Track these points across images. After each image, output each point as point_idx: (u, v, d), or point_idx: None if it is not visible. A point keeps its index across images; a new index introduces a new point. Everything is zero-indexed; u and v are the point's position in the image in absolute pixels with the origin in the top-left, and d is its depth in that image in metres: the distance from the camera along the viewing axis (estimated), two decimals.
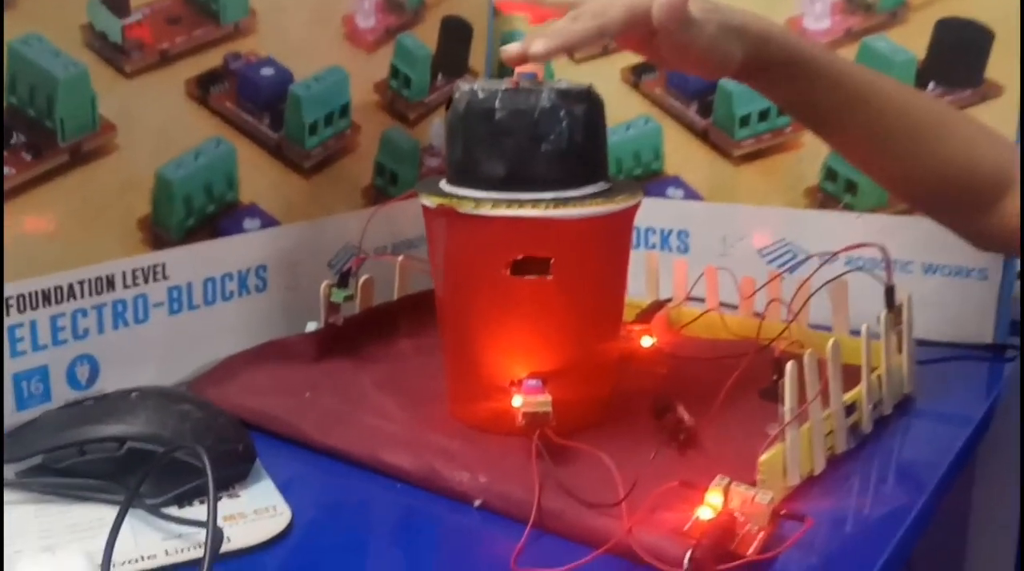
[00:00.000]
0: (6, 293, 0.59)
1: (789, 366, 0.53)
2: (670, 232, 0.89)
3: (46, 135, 0.60)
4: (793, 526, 0.49)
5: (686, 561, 0.45)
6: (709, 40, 0.58)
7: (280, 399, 0.65)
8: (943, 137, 0.63)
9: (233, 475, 0.54)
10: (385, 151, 0.84)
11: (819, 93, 0.62)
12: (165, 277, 0.68)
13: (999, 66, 0.74)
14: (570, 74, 0.89)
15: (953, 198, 0.66)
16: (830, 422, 0.58)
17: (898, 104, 0.63)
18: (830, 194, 0.81)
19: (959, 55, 0.75)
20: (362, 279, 0.76)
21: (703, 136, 0.86)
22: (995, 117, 0.73)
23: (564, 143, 0.58)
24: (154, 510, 0.50)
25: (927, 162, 0.64)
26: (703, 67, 0.60)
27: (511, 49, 0.57)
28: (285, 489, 0.55)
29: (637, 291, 0.81)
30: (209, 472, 0.45)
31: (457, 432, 0.60)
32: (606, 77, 0.87)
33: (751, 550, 0.47)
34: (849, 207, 0.81)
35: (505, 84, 0.59)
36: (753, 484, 0.51)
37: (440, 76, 0.88)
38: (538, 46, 0.56)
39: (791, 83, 0.62)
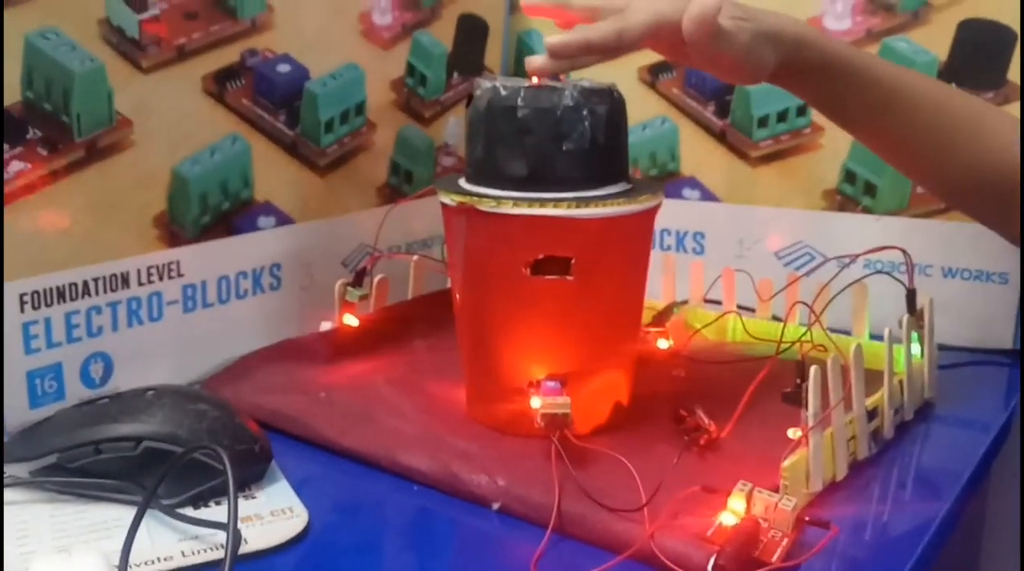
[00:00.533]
0: (20, 290, 0.59)
1: (813, 370, 0.52)
2: (686, 233, 0.88)
3: (62, 130, 0.60)
4: (816, 533, 0.48)
5: (710, 568, 0.44)
6: (742, 49, 0.57)
7: (295, 399, 0.64)
8: (979, 136, 0.62)
9: (249, 476, 0.54)
10: (400, 149, 0.84)
11: (853, 94, 0.61)
12: (180, 275, 0.67)
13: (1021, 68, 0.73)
14: (587, 72, 0.88)
15: (990, 198, 0.64)
16: (852, 427, 0.57)
17: (932, 102, 0.62)
18: (849, 196, 0.81)
19: (981, 57, 0.74)
20: (377, 278, 0.75)
21: (720, 137, 0.85)
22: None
23: (586, 142, 0.57)
24: (170, 511, 0.50)
25: (963, 161, 0.63)
26: (736, 74, 0.59)
27: (535, 62, 0.56)
28: (301, 490, 0.54)
29: (653, 293, 0.80)
30: (230, 472, 0.44)
31: (475, 434, 0.60)
32: (623, 76, 0.86)
33: (775, 557, 0.46)
34: (868, 210, 0.80)
35: (527, 82, 0.58)
36: (776, 490, 0.50)
37: (456, 74, 0.87)
38: (555, 40, 0.55)
39: (825, 85, 0.61)
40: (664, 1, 0.56)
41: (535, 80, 0.58)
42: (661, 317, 0.77)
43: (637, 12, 0.56)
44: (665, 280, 0.80)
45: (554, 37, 0.56)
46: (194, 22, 0.66)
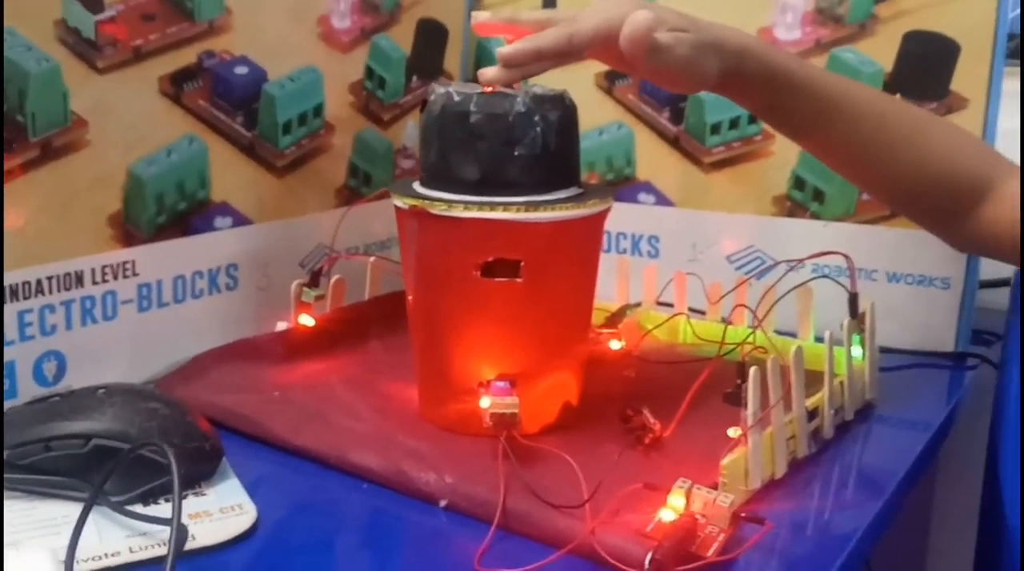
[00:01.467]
0: None
1: (752, 371, 0.54)
2: (641, 237, 0.90)
3: (17, 129, 0.60)
4: (753, 529, 0.50)
5: (647, 562, 0.46)
6: (680, 62, 0.58)
7: (249, 398, 0.65)
8: (920, 144, 0.64)
9: (200, 473, 0.54)
10: (359, 152, 0.85)
11: (796, 103, 0.63)
12: (135, 274, 0.68)
13: (964, 79, 0.75)
14: (544, 78, 0.89)
15: (931, 203, 0.67)
16: (792, 427, 0.59)
17: (875, 112, 0.64)
18: (798, 202, 0.82)
19: (925, 68, 0.76)
20: (333, 279, 0.76)
21: (675, 143, 0.87)
22: None
23: (538, 148, 0.58)
24: (119, 507, 0.50)
25: (904, 168, 0.65)
26: (678, 85, 0.61)
27: (487, 74, 0.57)
28: (252, 488, 0.55)
29: (607, 295, 0.82)
30: (175, 469, 0.45)
31: (426, 433, 0.61)
32: (580, 82, 0.88)
33: (711, 551, 0.47)
34: (816, 216, 0.82)
35: (480, 88, 0.59)
36: (715, 487, 0.51)
37: (415, 78, 0.88)
38: (506, 50, 0.56)
39: (768, 95, 0.63)
40: (613, 8, 0.57)
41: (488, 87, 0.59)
42: (614, 319, 0.78)
43: (587, 18, 0.57)
44: (619, 282, 0.82)
45: (505, 47, 0.57)
46: (151, 24, 0.67)
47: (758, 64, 0.61)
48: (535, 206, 0.57)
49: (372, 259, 0.80)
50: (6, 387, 0.61)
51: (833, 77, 0.65)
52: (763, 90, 0.62)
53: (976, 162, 0.65)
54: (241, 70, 0.73)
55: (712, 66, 0.59)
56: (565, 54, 0.58)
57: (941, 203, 0.66)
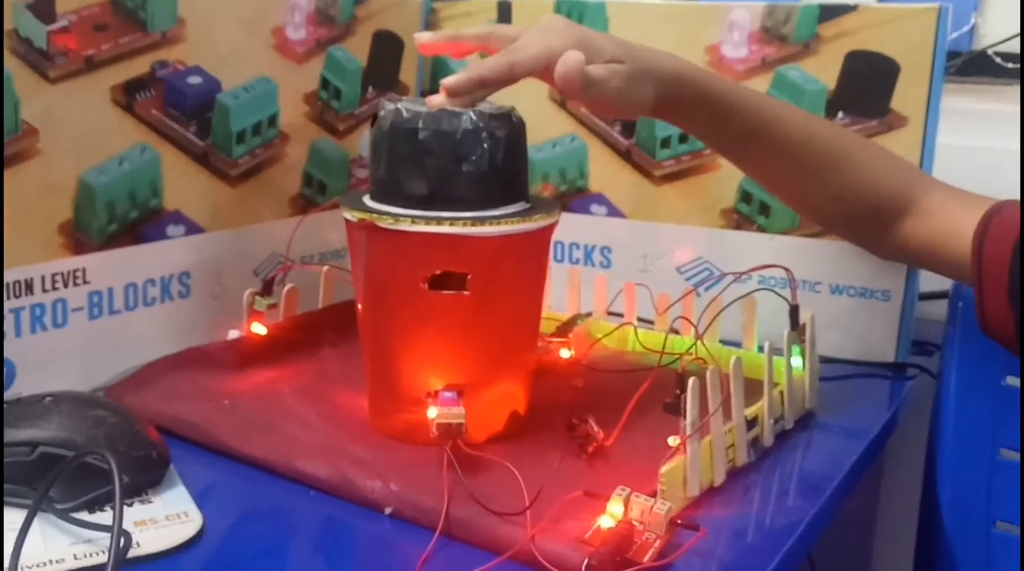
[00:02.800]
0: None
1: (691, 382, 0.56)
2: (594, 248, 0.91)
3: None
4: (690, 535, 0.51)
5: (583, 568, 0.47)
6: (615, 94, 0.60)
7: (199, 406, 0.65)
8: (844, 163, 0.68)
9: (146, 481, 0.55)
10: (314, 161, 0.85)
11: (728, 125, 0.66)
12: (86, 282, 0.68)
13: (904, 97, 0.78)
14: (499, 92, 0.91)
15: (855, 219, 0.70)
16: (731, 436, 0.60)
17: (802, 133, 0.66)
18: (744, 215, 0.84)
19: (867, 86, 0.79)
20: (286, 288, 0.77)
21: (626, 155, 0.89)
22: (900, 146, 0.78)
23: (485, 164, 0.60)
24: (64, 515, 0.51)
25: (830, 187, 0.68)
26: (615, 113, 0.63)
27: (434, 101, 0.59)
28: (200, 496, 0.55)
29: (559, 305, 0.83)
30: (116, 476, 0.45)
31: (373, 442, 0.62)
32: (534, 95, 0.89)
33: (647, 557, 0.49)
34: (762, 229, 0.84)
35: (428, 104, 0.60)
36: (655, 495, 0.53)
37: (371, 89, 0.89)
38: (450, 81, 0.58)
39: (702, 117, 0.65)
40: (554, 35, 0.59)
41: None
42: (565, 328, 0.80)
43: (528, 47, 0.59)
44: (570, 292, 0.83)
45: (449, 78, 0.58)
46: (103, 34, 0.67)
47: (692, 89, 0.63)
48: (481, 221, 0.58)
49: (326, 268, 0.81)
50: None
51: (764, 99, 0.67)
52: (697, 113, 0.65)
53: (898, 179, 0.69)
54: (194, 80, 0.73)
55: (646, 94, 0.62)
56: (507, 81, 0.59)
57: (866, 218, 0.70)
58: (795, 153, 0.67)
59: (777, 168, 0.68)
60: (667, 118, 0.66)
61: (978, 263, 0.64)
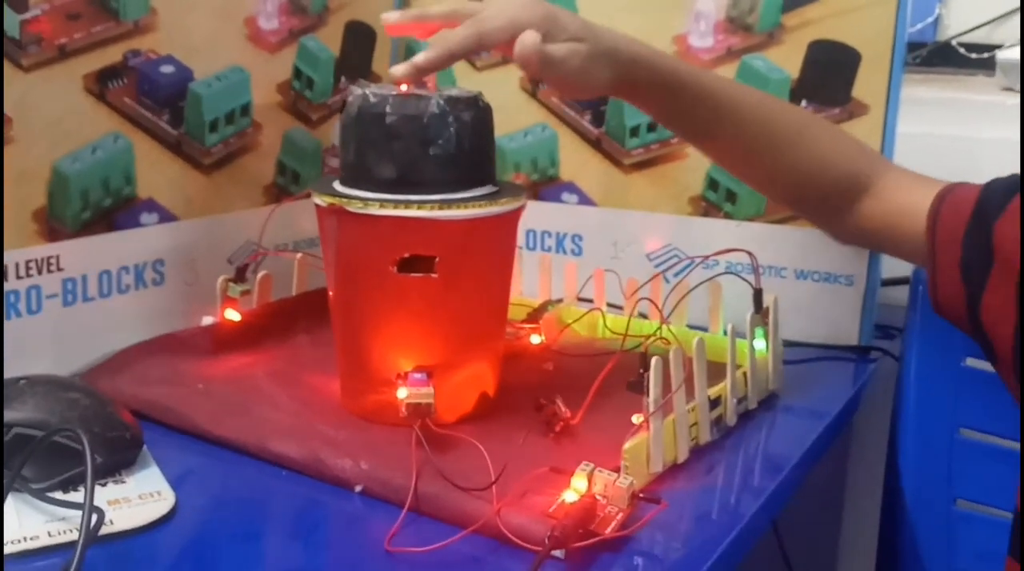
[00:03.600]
0: None
1: (654, 361, 0.57)
2: (565, 236, 0.93)
3: None
4: (652, 508, 0.53)
5: (546, 540, 0.48)
6: (573, 72, 0.62)
7: (173, 390, 0.66)
8: (801, 144, 0.69)
9: (120, 461, 0.56)
10: (287, 150, 0.86)
11: (687, 107, 0.67)
12: (59, 269, 0.69)
13: (865, 86, 0.79)
14: (471, 81, 0.92)
15: (813, 199, 0.72)
16: (694, 414, 0.62)
17: (760, 115, 0.68)
18: (712, 203, 0.86)
19: (829, 75, 0.80)
20: (260, 275, 0.78)
21: (596, 144, 0.90)
22: (861, 134, 0.79)
23: (452, 147, 0.61)
24: (39, 494, 0.52)
25: (787, 167, 0.70)
26: (573, 91, 0.65)
27: (398, 70, 0.60)
28: (173, 476, 0.56)
29: (531, 291, 0.85)
30: (88, 453, 0.46)
31: (345, 423, 0.63)
32: (505, 85, 0.90)
33: (609, 529, 0.50)
34: (729, 215, 0.85)
35: (396, 89, 0.62)
36: (618, 471, 0.54)
37: (343, 79, 0.90)
38: (420, 58, 0.59)
39: (661, 100, 0.67)
40: (521, 11, 0.60)
41: (404, 88, 0.62)
42: (535, 314, 0.81)
43: (495, 18, 0.60)
44: (541, 279, 0.84)
45: (419, 55, 0.59)
46: (76, 23, 0.68)
47: (649, 72, 0.65)
48: (449, 204, 0.60)
49: (299, 255, 0.82)
50: None
51: (722, 82, 0.69)
52: (655, 95, 0.67)
53: (855, 160, 0.70)
54: (167, 69, 0.74)
55: (604, 75, 0.63)
56: (475, 53, 0.60)
57: (824, 198, 0.71)
58: (754, 132, 0.68)
59: (737, 148, 0.70)
60: (625, 98, 0.68)
61: (932, 240, 0.65)
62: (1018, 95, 1.00)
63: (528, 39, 0.58)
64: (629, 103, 0.68)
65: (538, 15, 0.60)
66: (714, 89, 0.67)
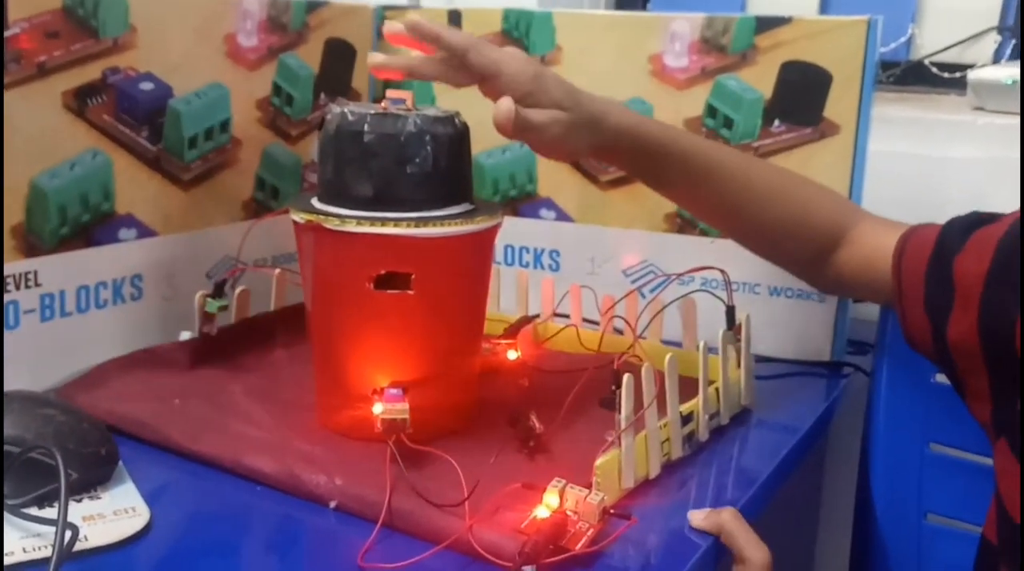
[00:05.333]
0: None
1: (626, 377, 0.58)
2: (543, 251, 0.94)
3: None
4: (622, 524, 0.54)
5: (517, 555, 0.49)
6: (553, 140, 0.63)
7: (149, 406, 0.67)
8: (782, 201, 0.72)
9: (95, 478, 0.56)
10: (266, 166, 0.87)
11: (668, 172, 0.69)
12: (37, 284, 0.69)
13: (836, 106, 0.81)
14: (452, 97, 0.92)
15: (793, 251, 0.74)
16: (666, 430, 0.63)
17: (742, 175, 0.71)
18: (687, 220, 0.87)
19: (801, 95, 0.82)
20: (238, 290, 0.78)
21: (574, 162, 0.91)
22: (832, 153, 0.81)
23: (428, 166, 0.62)
24: (15, 510, 0.52)
25: (768, 222, 0.72)
26: (549, 154, 0.66)
27: (375, 58, 0.62)
28: (148, 492, 0.57)
29: (508, 307, 0.86)
30: (62, 470, 0.47)
31: (320, 438, 0.63)
32: (484, 101, 0.90)
33: (579, 545, 0.51)
34: (704, 233, 0.86)
35: (374, 108, 0.62)
36: (591, 487, 0.55)
37: (323, 95, 0.91)
38: (414, 18, 0.60)
39: (642, 165, 0.69)
40: (513, 55, 0.62)
41: (383, 105, 0.63)
42: (512, 330, 0.82)
43: (491, 50, 0.61)
44: (519, 295, 0.85)
45: (416, 20, 0.61)
46: (55, 40, 0.68)
47: (631, 141, 0.67)
48: (425, 222, 0.60)
49: (278, 271, 0.83)
50: None
51: (705, 145, 0.71)
52: (637, 162, 0.69)
53: (830, 213, 0.72)
54: (146, 86, 0.75)
55: (583, 142, 0.65)
56: (456, 60, 0.61)
57: (803, 249, 0.74)
58: (735, 192, 0.70)
59: (720, 207, 0.72)
60: (605, 162, 0.70)
61: (898, 278, 0.67)
62: (988, 115, 1.02)
63: (503, 105, 0.60)
64: (608, 164, 0.69)
65: (527, 73, 0.61)
66: (697, 152, 0.69)
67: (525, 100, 0.61)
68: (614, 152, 0.67)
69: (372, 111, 0.62)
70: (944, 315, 0.63)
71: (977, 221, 0.64)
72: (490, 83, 0.62)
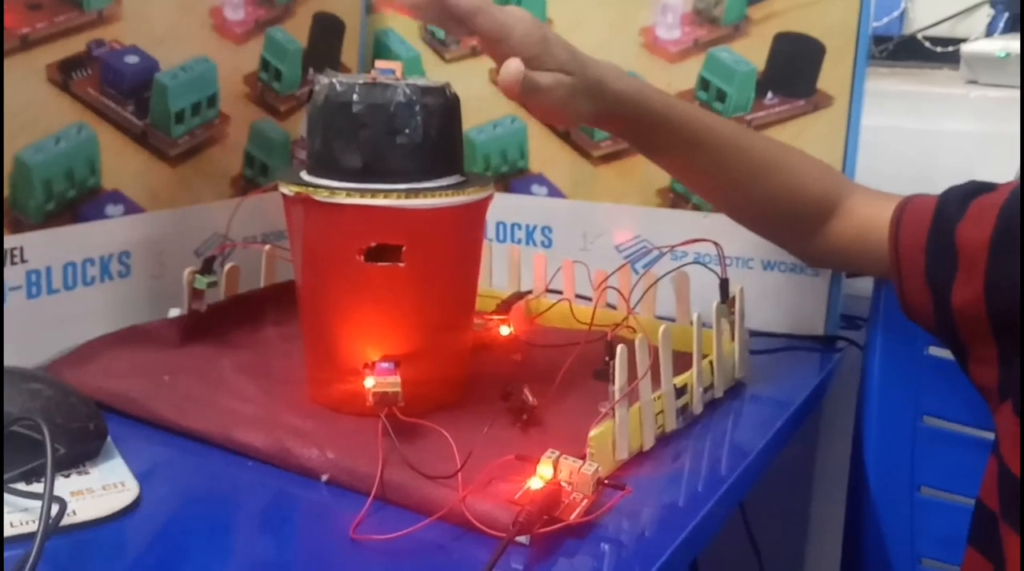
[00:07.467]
0: None
1: (619, 348, 0.57)
2: (535, 227, 0.93)
3: None
4: (616, 494, 0.53)
5: (511, 526, 0.48)
6: (556, 103, 0.62)
7: (138, 382, 0.66)
8: (774, 172, 0.71)
9: (83, 453, 0.55)
10: (255, 142, 0.86)
11: (665, 141, 0.69)
12: (23, 261, 0.68)
13: (829, 78, 0.80)
14: (440, 72, 0.92)
15: (785, 223, 0.74)
16: (660, 403, 0.62)
17: (735, 145, 0.70)
18: (680, 194, 0.86)
19: (794, 67, 0.81)
20: (227, 266, 0.77)
21: (565, 137, 0.90)
22: (826, 125, 0.80)
23: (419, 137, 0.61)
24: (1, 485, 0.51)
25: (761, 193, 0.72)
26: (551, 119, 0.67)
27: None
28: (137, 467, 0.56)
29: (500, 284, 0.85)
30: (48, 443, 0.46)
31: (312, 412, 0.63)
32: (474, 77, 0.90)
33: (573, 515, 0.51)
34: (697, 207, 0.86)
35: (363, 78, 0.62)
36: (584, 458, 0.55)
37: (311, 70, 0.90)
38: None
39: (640, 133, 0.69)
40: (521, 17, 0.60)
41: (372, 75, 0.62)
42: (505, 306, 0.81)
43: (497, 10, 0.60)
44: (511, 271, 0.85)
45: None
46: (38, 12, 0.67)
47: (631, 109, 0.66)
48: (415, 193, 0.60)
49: (267, 247, 0.82)
50: None
51: (699, 114, 0.70)
52: (635, 130, 0.68)
53: (822, 184, 0.72)
54: (132, 59, 0.73)
55: (585, 108, 0.64)
56: (463, 15, 0.59)
57: (793, 222, 0.73)
58: (728, 163, 0.70)
59: (711, 177, 0.72)
60: (604, 129, 0.69)
61: (895, 250, 0.67)
62: (981, 88, 1.01)
63: (512, 66, 0.59)
64: (605, 131, 0.69)
65: (534, 36, 0.60)
66: (690, 120, 0.68)
67: (531, 63, 0.60)
68: (612, 117, 0.66)
69: (361, 81, 0.61)
70: (947, 283, 0.62)
71: (975, 189, 0.64)
72: (498, 46, 0.61)
